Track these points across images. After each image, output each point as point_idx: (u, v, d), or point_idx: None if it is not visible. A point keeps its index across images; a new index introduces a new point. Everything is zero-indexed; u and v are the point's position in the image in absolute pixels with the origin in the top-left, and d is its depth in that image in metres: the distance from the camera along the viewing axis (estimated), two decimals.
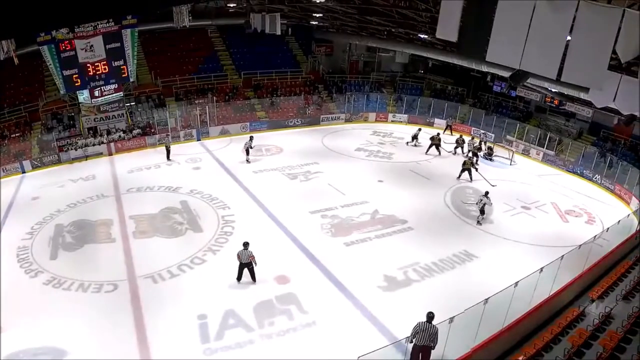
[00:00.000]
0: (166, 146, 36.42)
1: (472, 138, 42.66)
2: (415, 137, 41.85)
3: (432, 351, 14.82)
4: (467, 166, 34.18)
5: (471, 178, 33.94)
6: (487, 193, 28.09)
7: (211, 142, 40.73)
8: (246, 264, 20.09)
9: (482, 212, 27.63)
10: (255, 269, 20.23)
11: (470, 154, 37.65)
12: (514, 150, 41.01)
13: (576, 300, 19.55)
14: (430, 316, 14.65)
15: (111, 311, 18.29)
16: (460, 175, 34.16)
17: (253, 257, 19.95)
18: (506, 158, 39.67)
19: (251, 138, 36.74)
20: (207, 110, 42.21)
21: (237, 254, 20.05)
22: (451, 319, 13.86)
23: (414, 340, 14.67)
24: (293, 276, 21.03)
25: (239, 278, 20.41)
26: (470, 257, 23.63)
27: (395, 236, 25.41)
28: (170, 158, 35.72)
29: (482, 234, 26.39)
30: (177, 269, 21.25)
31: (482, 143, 40.76)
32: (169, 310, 18.47)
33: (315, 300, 19.41)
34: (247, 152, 35.95)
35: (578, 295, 19.97)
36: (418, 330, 14.59)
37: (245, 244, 19.97)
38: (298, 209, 27.82)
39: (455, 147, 40.45)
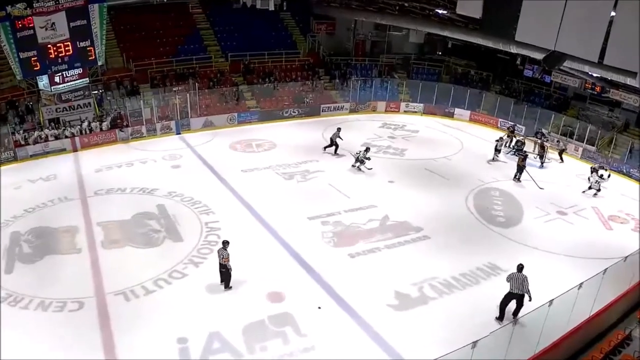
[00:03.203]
0: None
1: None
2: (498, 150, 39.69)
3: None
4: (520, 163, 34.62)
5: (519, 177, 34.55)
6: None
7: (193, 136, 40.75)
8: (221, 265, 20.51)
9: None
10: (233, 275, 20.61)
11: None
12: (548, 145, 40.34)
13: (621, 321, 19.63)
14: (520, 267, 19.42)
15: (76, 333, 18.28)
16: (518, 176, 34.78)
17: (227, 259, 20.31)
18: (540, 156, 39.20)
19: (339, 129, 37.76)
20: (188, 99, 42.21)
21: (217, 251, 20.67)
22: (474, 344, 13.77)
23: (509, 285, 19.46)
24: (289, 293, 21.03)
25: (221, 282, 20.96)
26: (496, 270, 23.65)
27: (408, 246, 25.54)
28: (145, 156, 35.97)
29: (511, 243, 26.52)
30: (153, 285, 21.30)
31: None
32: (144, 333, 18.50)
33: (314, 321, 19.45)
34: (334, 145, 37.36)
35: (623, 315, 20.02)
36: (510, 278, 19.39)
37: (225, 243, 20.41)
38: (294, 214, 27.95)
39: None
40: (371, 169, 34.10)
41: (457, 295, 21.74)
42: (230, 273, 20.75)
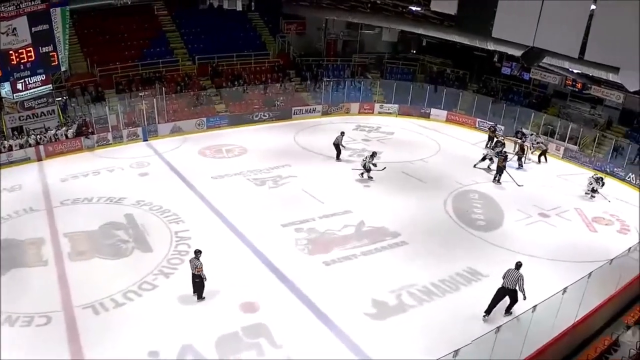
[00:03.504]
0: None
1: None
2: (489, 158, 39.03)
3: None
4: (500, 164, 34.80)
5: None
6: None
7: (160, 143, 40.54)
8: (194, 276, 20.50)
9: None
10: (212, 273, 20.68)
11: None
12: (528, 146, 40.47)
13: (608, 326, 19.70)
14: (519, 265, 20.26)
15: (44, 348, 18.09)
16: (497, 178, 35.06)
17: (200, 269, 20.27)
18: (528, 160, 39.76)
19: (342, 133, 37.93)
20: (155, 104, 41.96)
21: (189, 261, 20.75)
22: (456, 352, 13.76)
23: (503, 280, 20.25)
24: (262, 303, 21.00)
25: (194, 292, 20.95)
26: (477, 276, 23.82)
27: (385, 252, 25.61)
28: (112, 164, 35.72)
29: (491, 247, 26.73)
30: (123, 297, 21.15)
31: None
32: (114, 347, 18.36)
33: (289, 332, 19.42)
34: (338, 150, 37.56)
35: (610, 320, 20.11)
36: (506, 275, 20.16)
37: (197, 252, 20.42)
38: (267, 221, 27.92)
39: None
40: (372, 178, 33.93)
41: (437, 302, 21.76)
42: (204, 283, 20.68)
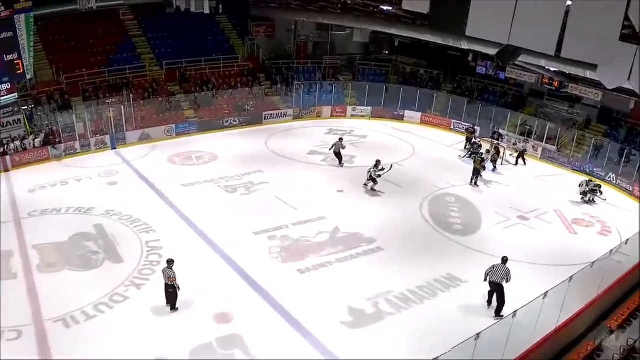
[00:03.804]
0: None
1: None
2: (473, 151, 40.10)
3: None
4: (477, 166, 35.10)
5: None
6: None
7: (129, 150, 40.41)
8: (167, 286, 20.63)
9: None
10: (185, 283, 20.83)
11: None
12: (504, 147, 40.89)
13: (591, 331, 19.63)
14: (505, 259, 21.37)
15: None
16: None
17: (174, 279, 20.43)
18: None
19: (341, 139, 38.08)
20: (123, 111, 41.85)
21: (162, 271, 20.90)
22: None
23: (487, 278, 21.24)
24: (236, 313, 21.05)
25: (167, 303, 21.08)
26: (455, 281, 24.03)
27: (361, 259, 25.76)
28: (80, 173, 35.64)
29: (469, 252, 26.97)
30: (94, 309, 21.13)
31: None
32: None
33: (264, 342, 19.49)
34: (340, 157, 37.57)
35: (593, 325, 20.02)
36: (490, 271, 21.18)
37: (169, 262, 20.60)
38: (239, 229, 28.03)
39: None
40: (374, 189, 33.79)
41: (415, 309, 21.90)
42: (177, 293, 20.82)
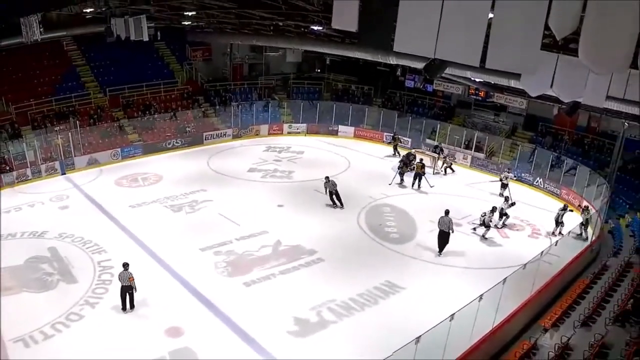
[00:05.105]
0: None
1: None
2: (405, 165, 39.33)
3: None
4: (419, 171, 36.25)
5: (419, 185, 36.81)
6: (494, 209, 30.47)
7: (78, 175, 40.40)
8: (126, 287, 21.34)
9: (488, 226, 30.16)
10: (136, 300, 21.66)
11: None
12: (439, 156, 41.67)
13: (526, 330, 20.43)
14: (447, 211, 27.72)
15: None
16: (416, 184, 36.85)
17: (132, 279, 21.21)
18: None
19: (327, 178, 34.57)
20: (71, 138, 42.00)
21: (118, 276, 21.55)
22: None
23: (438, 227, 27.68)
24: (187, 327, 21.30)
25: (123, 307, 21.69)
26: (394, 288, 24.60)
27: (303, 270, 26.34)
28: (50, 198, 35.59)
29: (406, 259, 27.64)
30: (51, 329, 21.23)
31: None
32: None
33: (215, 354, 19.74)
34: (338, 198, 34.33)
35: (527, 324, 20.84)
36: (439, 221, 27.51)
37: (125, 265, 21.40)
38: (186, 246, 28.46)
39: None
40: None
41: (357, 316, 22.35)
42: (134, 294, 21.80)
